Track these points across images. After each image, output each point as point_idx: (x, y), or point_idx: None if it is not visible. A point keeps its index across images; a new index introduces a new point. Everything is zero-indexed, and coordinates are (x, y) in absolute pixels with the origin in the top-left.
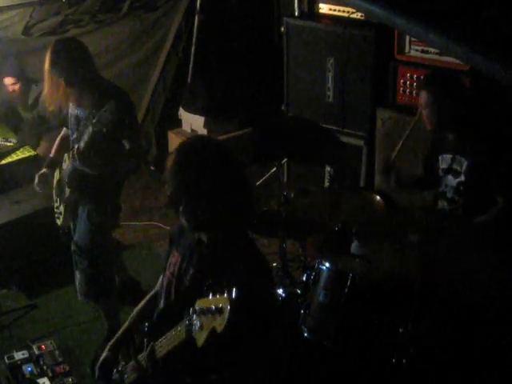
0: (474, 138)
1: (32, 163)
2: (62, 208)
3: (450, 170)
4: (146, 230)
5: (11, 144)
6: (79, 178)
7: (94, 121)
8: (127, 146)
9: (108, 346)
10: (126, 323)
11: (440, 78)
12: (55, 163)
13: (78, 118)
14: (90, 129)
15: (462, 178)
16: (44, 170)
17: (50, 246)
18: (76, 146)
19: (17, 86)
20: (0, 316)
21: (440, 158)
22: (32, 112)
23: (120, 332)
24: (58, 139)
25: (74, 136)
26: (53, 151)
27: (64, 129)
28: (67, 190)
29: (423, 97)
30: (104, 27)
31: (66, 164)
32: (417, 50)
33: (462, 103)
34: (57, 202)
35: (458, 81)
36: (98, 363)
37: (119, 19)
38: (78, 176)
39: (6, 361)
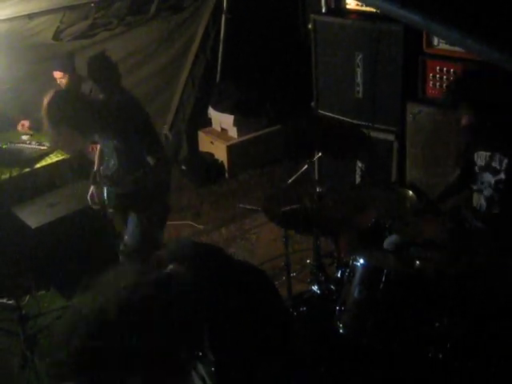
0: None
1: (65, 166)
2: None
3: (487, 168)
4: (180, 230)
5: (44, 148)
6: (120, 201)
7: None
8: (151, 162)
9: None
10: None
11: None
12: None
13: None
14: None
15: (502, 175)
16: (91, 188)
17: (85, 247)
18: (103, 175)
19: (64, 80)
20: (39, 317)
21: (475, 155)
22: None
23: None
24: (97, 152)
25: (105, 155)
26: (95, 165)
27: None
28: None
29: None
30: (132, 29)
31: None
32: (446, 43)
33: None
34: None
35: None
36: None
37: (147, 21)
38: (118, 200)
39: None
